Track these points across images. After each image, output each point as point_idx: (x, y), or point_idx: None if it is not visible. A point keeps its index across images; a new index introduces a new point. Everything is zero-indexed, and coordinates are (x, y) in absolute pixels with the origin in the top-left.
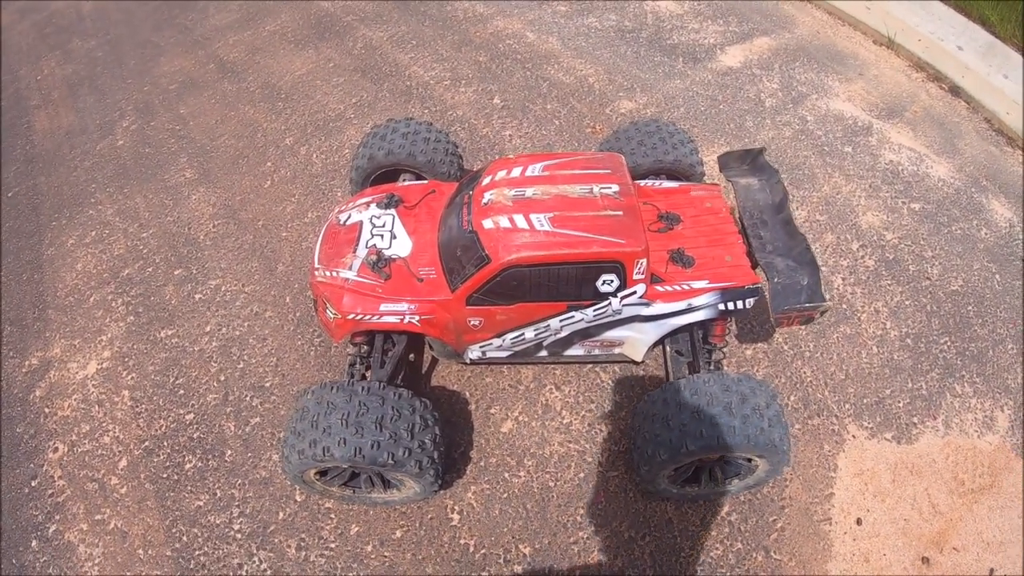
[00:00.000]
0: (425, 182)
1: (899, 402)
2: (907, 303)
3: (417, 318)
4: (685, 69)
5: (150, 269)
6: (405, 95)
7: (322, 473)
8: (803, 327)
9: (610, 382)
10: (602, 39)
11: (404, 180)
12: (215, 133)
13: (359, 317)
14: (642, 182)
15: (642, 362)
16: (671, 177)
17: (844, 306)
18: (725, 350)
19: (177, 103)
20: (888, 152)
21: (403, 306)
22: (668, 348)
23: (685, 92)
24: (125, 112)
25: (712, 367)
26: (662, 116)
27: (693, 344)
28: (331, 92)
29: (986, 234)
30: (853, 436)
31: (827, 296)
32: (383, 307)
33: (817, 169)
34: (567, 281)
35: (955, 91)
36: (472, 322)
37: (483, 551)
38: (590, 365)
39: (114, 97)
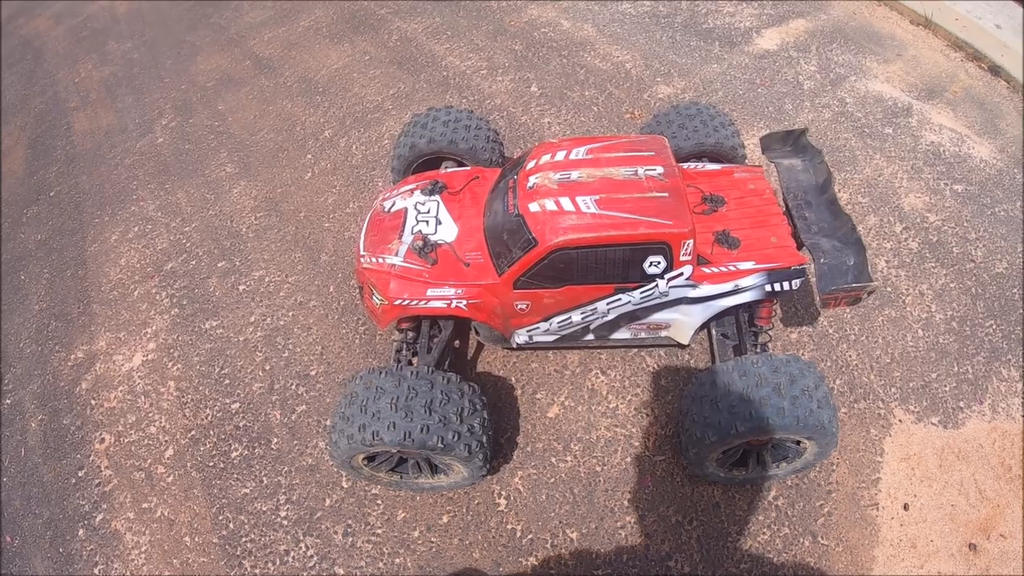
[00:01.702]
0: (468, 168)
1: (945, 386)
2: (952, 286)
3: (464, 302)
4: (722, 53)
5: (193, 262)
6: (442, 85)
7: (370, 458)
8: (849, 309)
9: (656, 366)
10: (637, 25)
11: (446, 167)
12: (254, 128)
13: (406, 302)
14: (685, 165)
15: (688, 345)
16: (713, 160)
17: (889, 289)
18: (771, 332)
19: (215, 100)
20: (929, 133)
21: (450, 291)
22: (714, 331)
23: (722, 76)
24: (164, 110)
25: (758, 350)
26: (701, 100)
27: (739, 326)
28: (368, 84)
29: None
30: (899, 420)
31: (873, 276)
32: (430, 292)
33: (858, 151)
34: (614, 263)
35: (995, 71)
36: (519, 306)
37: (530, 536)
38: (636, 349)
39: (152, 96)
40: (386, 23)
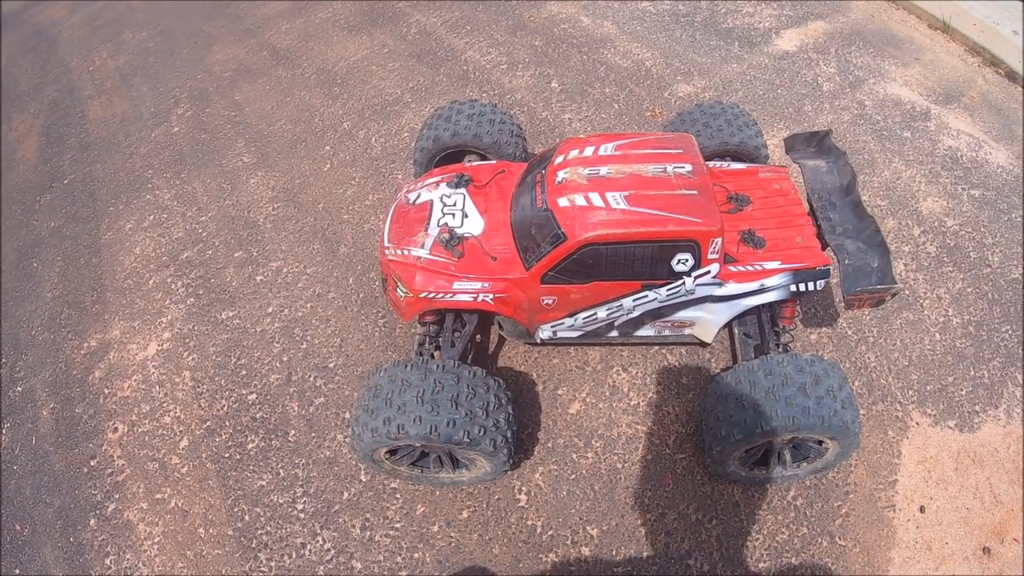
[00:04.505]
0: (493, 162)
1: (962, 390)
2: (969, 290)
3: (490, 296)
4: (741, 53)
5: (210, 252)
6: (462, 79)
7: (392, 452)
8: (868, 311)
9: (677, 364)
10: (657, 23)
11: (469, 161)
12: (271, 118)
13: (431, 295)
14: (709, 163)
15: (710, 344)
16: (736, 159)
17: (907, 292)
18: (793, 332)
19: (232, 90)
20: (947, 138)
21: (476, 284)
22: (736, 331)
23: (742, 76)
24: (180, 100)
25: (781, 350)
26: (723, 100)
27: (761, 326)
28: (387, 77)
29: None
30: (917, 423)
31: (897, 278)
32: (456, 285)
33: (877, 154)
34: (642, 260)
35: (1012, 76)
36: (545, 301)
37: (550, 532)
38: (657, 347)
39: (168, 85)
40: (405, 16)
